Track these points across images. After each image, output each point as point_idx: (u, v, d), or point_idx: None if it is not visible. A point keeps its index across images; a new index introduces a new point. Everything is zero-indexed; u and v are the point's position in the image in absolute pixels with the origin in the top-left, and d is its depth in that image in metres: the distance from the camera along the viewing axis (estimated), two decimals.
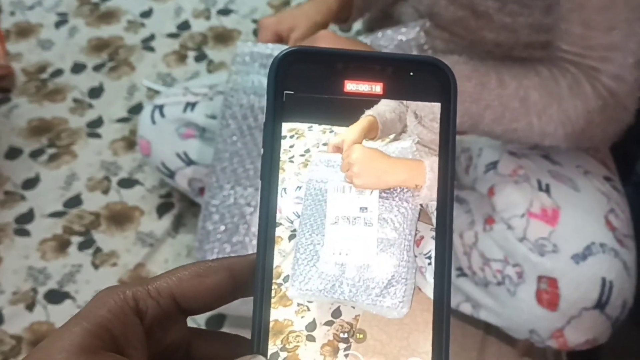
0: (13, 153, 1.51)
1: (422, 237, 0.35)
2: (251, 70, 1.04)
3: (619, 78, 0.87)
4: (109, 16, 1.82)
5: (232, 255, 0.36)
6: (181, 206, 1.37)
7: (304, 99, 0.35)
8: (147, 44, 1.74)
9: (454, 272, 1.10)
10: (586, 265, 0.95)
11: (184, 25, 1.78)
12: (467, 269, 1.07)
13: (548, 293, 0.98)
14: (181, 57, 1.70)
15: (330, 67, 0.34)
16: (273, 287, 0.34)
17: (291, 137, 0.36)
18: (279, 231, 0.34)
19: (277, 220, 0.34)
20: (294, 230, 0.35)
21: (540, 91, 0.90)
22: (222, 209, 1.00)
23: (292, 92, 0.34)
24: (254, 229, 0.97)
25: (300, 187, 0.36)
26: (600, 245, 0.96)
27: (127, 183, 1.44)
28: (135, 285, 0.33)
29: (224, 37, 1.73)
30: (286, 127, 0.35)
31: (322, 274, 0.35)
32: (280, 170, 0.34)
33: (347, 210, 0.35)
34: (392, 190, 0.35)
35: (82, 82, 1.66)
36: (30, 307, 1.24)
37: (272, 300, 0.33)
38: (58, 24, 1.81)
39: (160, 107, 1.23)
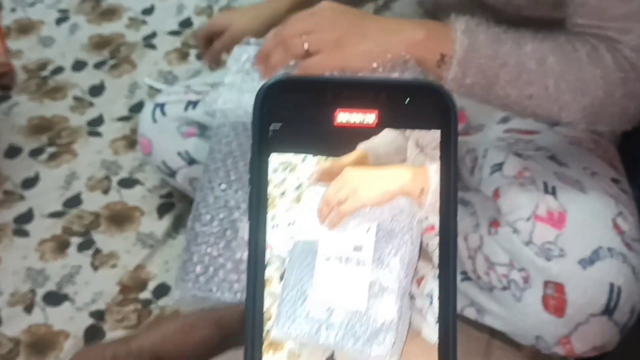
0: (13, 151, 1.50)
1: (422, 277, 0.33)
2: (248, 69, 1.02)
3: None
4: (111, 13, 1.80)
5: (219, 307, 0.34)
6: (181, 206, 1.36)
7: (293, 131, 0.32)
8: (149, 41, 1.72)
9: (458, 276, 1.07)
10: (593, 270, 0.93)
11: (186, 23, 1.76)
12: (471, 273, 1.05)
13: (554, 298, 0.96)
14: (183, 55, 1.68)
15: (319, 96, 0.32)
16: (263, 332, 0.31)
17: (283, 170, 0.33)
18: (269, 271, 0.32)
19: (266, 260, 0.32)
20: (285, 270, 0.33)
21: (558, 55, 0.86)
22: (212, 210, 0.99)
23: (279, 125, 0.32)
24: (242, 233, 0.95)
25: (293, 223, 0.33)
26: (607, 249, 0.94)
27: (128, 183, 1.42)
28: (116, 345, 0.32)
29: None
30: (278, 159, 0.32)
31: (308, 315, 0.32)
32: (271, 206, 0.32)
33: (340, 248, 0.33)
34: (391, 227, 0.33)
35: (82, 80, 1.64)
36: (28, 308, 1.23)
37: (262, 346, 0.31)
38: (59, 21, 1.79)
39: (162, 106, 1.21)
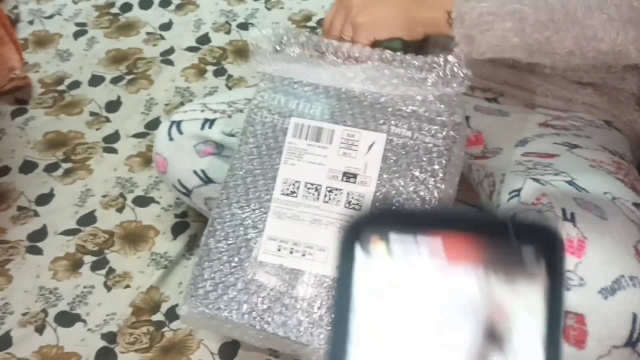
0: (27, 167, 1.49)
1: None
2: (279, 89, 1.01)
3: None
4: (128, 28, 1.79)
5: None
6: (196, 226, 1.34)
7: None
8: (166, 57, 1.71)
9: None
10: (615, 300, 0.90)
11: (204, 39, 1.75)
12: None
13: (575, 330, 0.94)
14: (200, 72, 1.66)
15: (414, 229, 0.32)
16: None
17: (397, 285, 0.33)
18: None
19: None
20: None
21: None
22: (228, 227, 0.97)
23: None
24: (255, 253, 0.93)
25: None
26: (629, 277, 0.91)
27: (143, 201, 1.40)
28: None
29: (243, 52, 1.70)
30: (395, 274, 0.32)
31: None
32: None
33: None
34: None
35: (99, 95, 1.63)
36: (39, 329, 1.21)
37: None
38: (77, 34, 1.79)
39: (178, 123, 1.20)
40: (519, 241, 0.30)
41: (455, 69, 0.92)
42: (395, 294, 0.31)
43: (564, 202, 0.97)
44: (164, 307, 1.23)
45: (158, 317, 1.21)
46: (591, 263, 0.92)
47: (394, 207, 0.33)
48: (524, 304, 0.30)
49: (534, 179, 1.03)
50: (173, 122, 1.20)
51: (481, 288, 0.31)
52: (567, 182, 1.01)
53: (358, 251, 0.31)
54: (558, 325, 0.30)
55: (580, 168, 1.04)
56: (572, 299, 0.92)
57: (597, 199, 0.98)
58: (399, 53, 0.94)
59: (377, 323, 0.31)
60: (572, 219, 0.95)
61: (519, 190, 1.04)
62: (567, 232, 0.94)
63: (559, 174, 1.02)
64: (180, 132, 1.18)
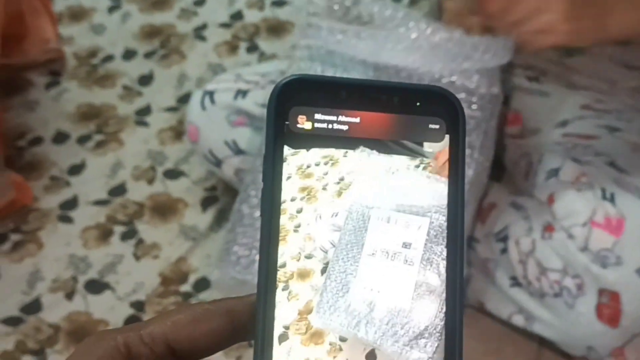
0: (60, 138, 1.50)
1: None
2: (316, 58, 1.01)
3: None
4: (162, 3, 1.79)
5: (231, 298, 0.34)
6: (225, 200, 1.34)
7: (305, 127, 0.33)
8: (199, 32, 1.71)
9: (506, 281, 1.05)
10: None
11: (237, 15, 1.74)
12: (522, 279, 1.02)
13: (609, 307, 0.93)
14: (232, 48, 1.66)
15: (329, 95, 0.33)
16: (304, 323, 0.31)
17: (325, 164, 0.33)
18: (310, 263, 0.32)
19: (310, 252, 0.32)
20: (327, 263, 0.32)
21: None
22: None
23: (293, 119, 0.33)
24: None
25: (337, 214, 0.32)
26: None
27: (173, 174, 1.41)
28: (127, 331, 0.31)
29: (276, 29, 1.69)
30: (320, 153, 0.33)
31: (350, 307, 0.31)
32: (313, 199, 0.32)
33: (388, 243, 0.32)
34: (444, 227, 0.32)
35: (132, 69, 1.63)
36: (69, 295, 1.23)
37: (303, 337, 0.31)
38: (111, 9, 1.79)
39: (211, 93, 1.20)
40: (426, 116, 0.33)
41: (498, 43, 0.91)
42: (316, 179, 0.33)
43: (604, 182, 0.96)
44: (192, 278, 1.23)
45: (186, 287, 1.22)
46: (629, 242, 0.91)
47: (314, 77, 0.34)
48: (429, 185, 0.32)
49: (573, 159, 1.01)
50: (206, 91, 1.20)
51: (391, 167, 0.33)
52: (608, 163, 1.00)
53: (284, 132, 0.32)
54: (460, 209, 0.32)
55: (621, 150, 1.03)
56: (608, 277, 0.91)
57: (638, 180, 0.97)
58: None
59: (300, 211, 0.33)
60: (612, 199, 0.94)
61: (557, 169, 1.03)
62: (606, 210, 0.93)
63: (600, 155, 1.01)
64: (212, 101, 1.18)
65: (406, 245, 0.32)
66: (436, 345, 0.30)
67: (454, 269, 0.31)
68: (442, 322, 0.31)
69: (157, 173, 1.41)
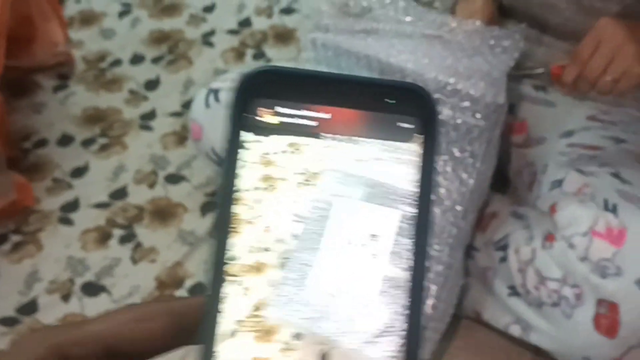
0: (65, 140, 1.50)
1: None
2: (322, 59, 1.00)
3: None
4: (172, 9, 1.80)
5: (176, 298, 0.33)
6: None
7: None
8: (207, 39, 1.71)
9: (505, 290, 1.03)
10: None
11: (246, 22, 1.75)
12: (520, 287, 1.00)
13: (607, 318, 0.91)
14: (239, 55, 1.66)
15: (297, 89, 0.32)
16: (258, 319, 0.29)
17: (291, 152, 0.32)
18: (266, 256, 0.30)
19: (269, 245, 0.30)
20: (286, 257, 0.30)
21: None
22: None
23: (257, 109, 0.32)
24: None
25: (300, 204, 0.31)
26: None
27: (174, 179, 1.40)
28: (64, 330, 0.29)
29: (284, 37, 1.69)
30: (285, 141, 0.31)
31: (309, 302, 0.29)
32: (273, 189, 0.31)
33: (354, 234, 0.30)
34: None
35: (139, 74, 1.64)
36: (66, 297, 1.22)
37: (256, 334, 0.29)
38: (121, 14, 1.80)
39: (216, 92, 1.19)
40: (398, 114, 0.31)
41: (508, 43, 0.90)
42: (279, 168, 0.31)
43: (607, 192, 0.95)
44: (188, 283, 1.22)
45: (181, 292, 1.21)
46: (630, 253, 0.89)
47: (280, 70, 0.32)
48: (399, 180, 0.31)
49: (577, 170, 1.00)
50: (211, 90, 1.19)
51: (362, 164, 0.31)
52: (612, 174, 0.98)
53: (247, 123, 0.31)
54: (428, 201, 0.31)
55: (625, 161, 1.02)
56: (608, 288, 0.89)
57: None
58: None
59: (260, 201, 0.31)
60: (614, 210, 0.92)
61: (561, 180, 1.01)
62: (608, 221, 0.91)
63: (604, 166, 1.00)
64: (217, 100, 1.17)
65: (374, 237, 0.30)
66: (397, 343, 0.29)
67: (419, 265, 0.30)
68: (405, 320, 0.29)
69: (159, 177, 1.41)
